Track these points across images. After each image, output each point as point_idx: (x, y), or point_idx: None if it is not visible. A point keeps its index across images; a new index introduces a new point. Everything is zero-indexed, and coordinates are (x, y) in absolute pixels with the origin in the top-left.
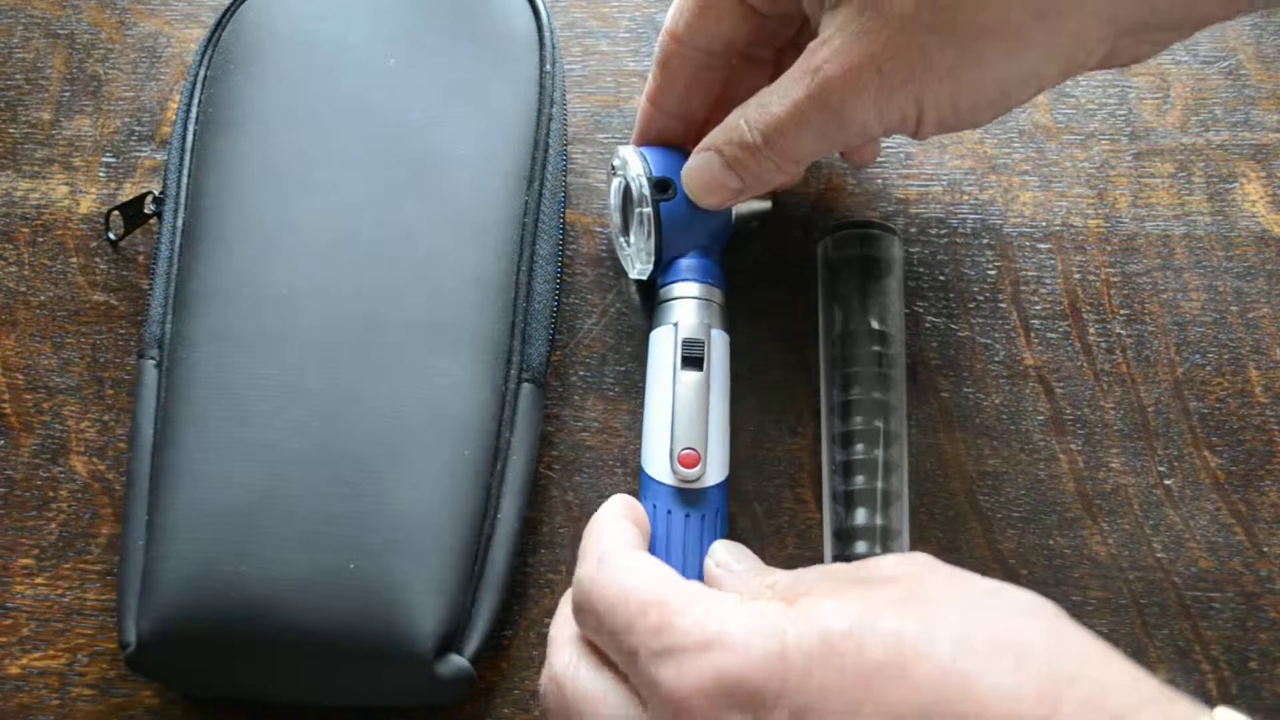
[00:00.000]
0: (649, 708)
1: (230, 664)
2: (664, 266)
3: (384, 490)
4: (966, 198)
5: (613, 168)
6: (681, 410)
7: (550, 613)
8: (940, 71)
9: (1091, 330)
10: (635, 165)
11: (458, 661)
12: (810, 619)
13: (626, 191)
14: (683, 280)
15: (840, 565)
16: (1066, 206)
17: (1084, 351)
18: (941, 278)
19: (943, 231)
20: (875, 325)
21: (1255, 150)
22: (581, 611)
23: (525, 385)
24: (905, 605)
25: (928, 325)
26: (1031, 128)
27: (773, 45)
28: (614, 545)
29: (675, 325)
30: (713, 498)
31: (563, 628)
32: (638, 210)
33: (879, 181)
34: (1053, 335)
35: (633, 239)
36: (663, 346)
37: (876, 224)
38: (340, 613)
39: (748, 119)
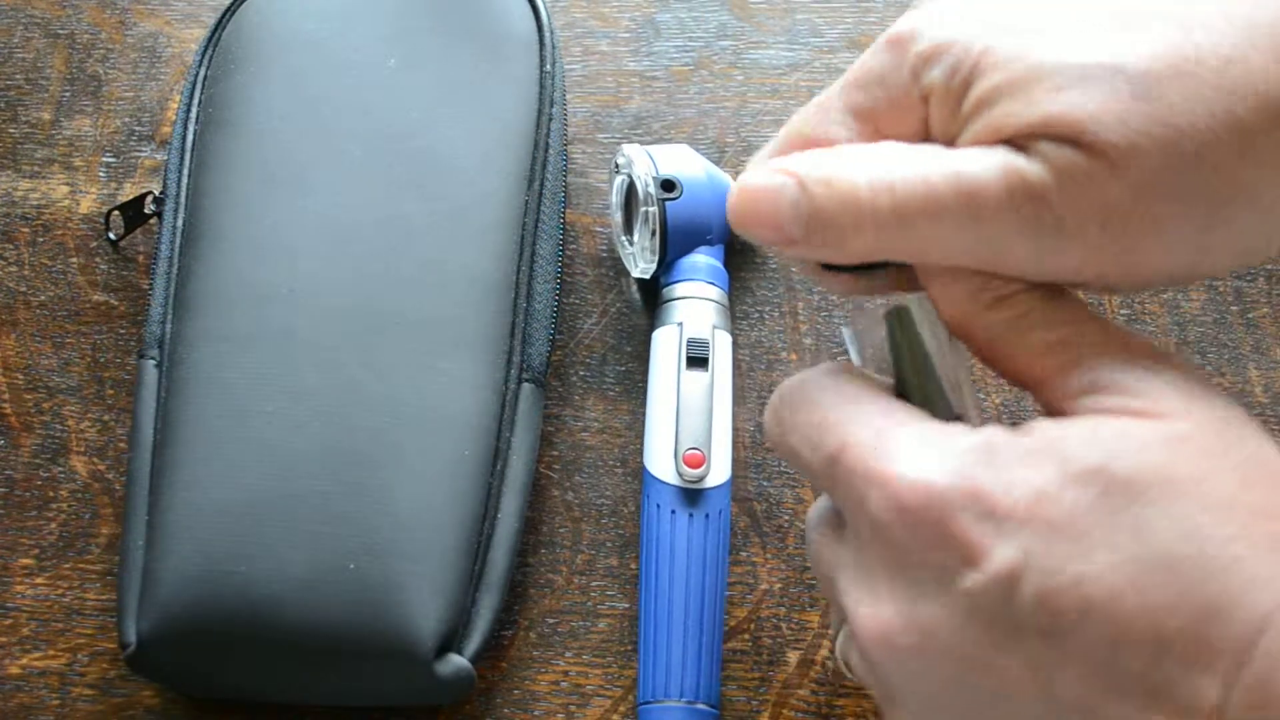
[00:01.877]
0: (848, 519)
1: (230, 664)
2: (667, 266)
3: (384, 490)
4: None
5: (616, 166)
6: (686, 410)
7: (551, 613)
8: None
9: None
10: (641, 164)
11: (458, 661)
12: (1050, 453)
13: (630, 190)
14: (687, 280)
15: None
16: None
17: None
18: None
19: None
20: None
21: None
22: (776, 416)
23: (525, 385)
24: (1161, 446)
25: None
26: None
27: None
28: (823, 370)
29: (680, 325)
30: (716, 498)
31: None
32: (642, 209)
33: None
34: None
35: (636, 238)
36: (667, 346)
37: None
38: (340, 613)
39: (868, 170)
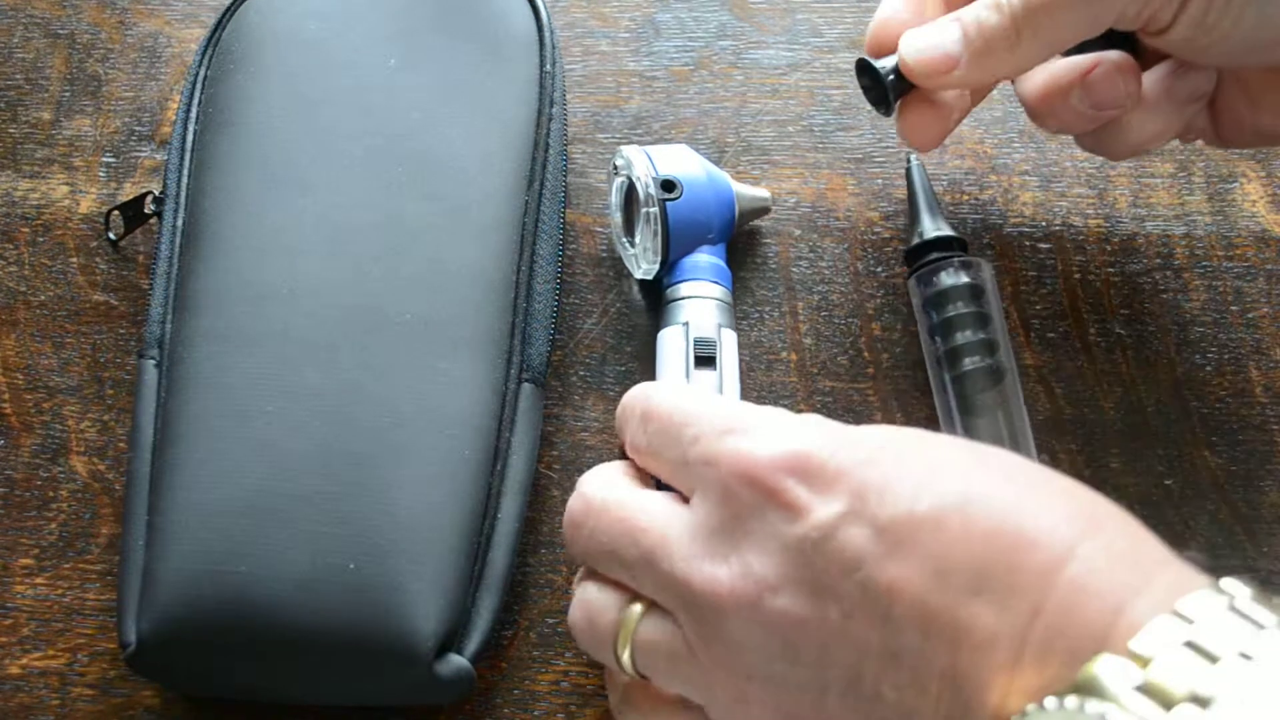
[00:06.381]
0: (697, 492)
1: (230, 664)
2: (670, 266)
3: (384, 490)
4: (966, 198)
5: (615, 167)
6: None
7: (551, 613)
8: None
9: (1091, 330)
10: (640, 165)
11: (458, 661)
12: (866, 428)
13: (630, 191)
14: (691, 279)
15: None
16: (1066, 206)
17: (1084, 351)
18: None
19: None
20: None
21: (1255, 150)
22: (638, 405)
23: (525, 385)
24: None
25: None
26: (1031, 128)
27: None
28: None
29: (686, 325)
30: None
31: (594, 472)
32: (643, 210)
33: (879, 181)
34: (1053, 335)
35: (638, 239)
36: (673, 346)
37: (964, 252)
38: (340, 613)
39: None
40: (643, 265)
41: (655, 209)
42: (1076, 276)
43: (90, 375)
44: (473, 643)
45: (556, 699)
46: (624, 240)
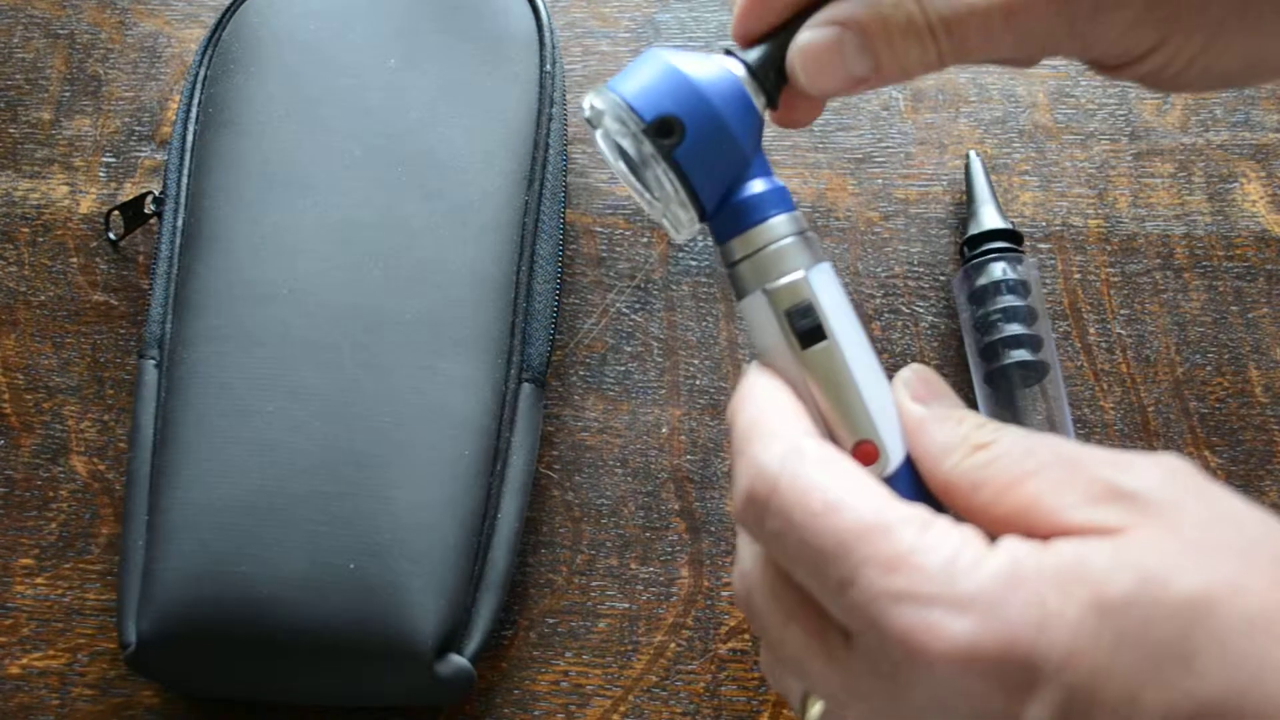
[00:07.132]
0: (858, 644)
1: (230, 664)
2: (712, 216)
3: (384, 490)
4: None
5: (588, 121)
6: (827, 400)
7: (551, 613)
8: (1211, 18)
9: (1091, 330)
10: (615, 116)
11: (458, 661)
12: (1079, 578)
13: (620, 145)
14: (745, 229)
15: (1080, 454)
16: (1066, 206)
17: (1084, 351)
18: (942, 277)
19: (943, 231)
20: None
21: (1255, 150)
22: (763, 511)
23: (525, 385)
24: (1184, 557)
25: (927, 325)
26: (1031, 128)
27: None
28: (801, 432)
29: (765, 292)
30: (901, 483)
31: (738, 580)
32: (647, 173)
33: (879, 181)
34: (1053, 335)
35: (658, 203)
36: (764, 327)
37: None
38: (340, 613)
39: None
40: (681, 230)
41: (662, 166)
42: (1076, 276)
43: (90, 375)
44: (473, 643)
45: (556, 699)
46: (646, 197)
